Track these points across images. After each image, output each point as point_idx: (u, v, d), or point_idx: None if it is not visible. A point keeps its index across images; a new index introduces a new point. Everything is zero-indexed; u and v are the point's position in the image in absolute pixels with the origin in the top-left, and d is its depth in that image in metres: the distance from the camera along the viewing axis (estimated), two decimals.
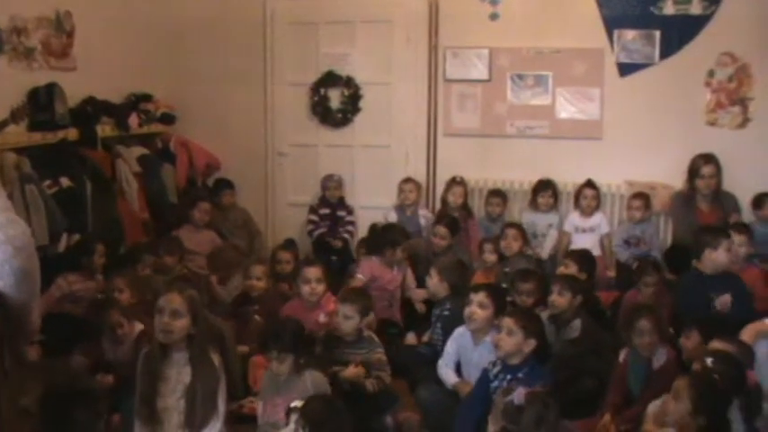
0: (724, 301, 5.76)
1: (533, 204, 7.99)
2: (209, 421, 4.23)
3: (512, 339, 4.72)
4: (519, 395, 3.61)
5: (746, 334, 5.15)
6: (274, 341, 4.53)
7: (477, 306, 5.25)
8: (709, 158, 7.45)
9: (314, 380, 4.46)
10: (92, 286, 6.38)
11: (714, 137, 7.82)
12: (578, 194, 7.90)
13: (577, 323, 5.74)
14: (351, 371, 5.07)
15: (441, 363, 5.49)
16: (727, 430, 3.93)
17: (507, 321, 4.77)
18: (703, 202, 7.47)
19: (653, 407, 4.44)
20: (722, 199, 7.51)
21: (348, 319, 5.24)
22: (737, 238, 6.61)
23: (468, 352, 5.38)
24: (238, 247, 7.87)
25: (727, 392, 3.97)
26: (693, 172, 7.48)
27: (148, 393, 4.28)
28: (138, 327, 5.37)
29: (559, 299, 5.78)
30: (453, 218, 7.65)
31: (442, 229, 7.36)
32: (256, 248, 8.36)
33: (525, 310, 5.34)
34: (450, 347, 5.47)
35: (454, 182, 8.13)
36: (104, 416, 4.01)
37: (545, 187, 7.96)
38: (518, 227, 7.39)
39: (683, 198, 7.60)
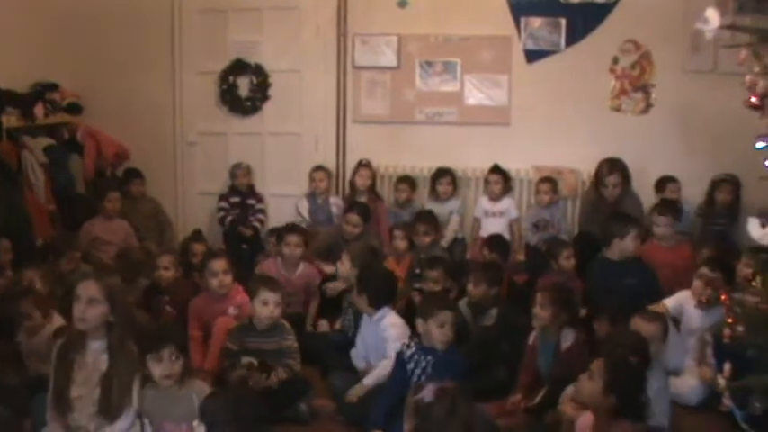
0: None
1: (433, 193, 8.01)
2: (122, 410, 4.17)
3: (450, 331, 4.75)
4: (428, 392, 3.59)
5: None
6: (168, 338, 4.33)
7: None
8: (613, 167, 7.46)
9: (200, 394, 4.25)
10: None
11: (618, 122, 7.95)
12: (486, 180, 7.94)
13: (493, 312, 5.82)
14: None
15: (353, 351, 5.58)
16: (640, 410, 3.99)
17: (448, 315, 4.76)
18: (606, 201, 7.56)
19: (571, 389, 4.50)
20: (627, 202, 7.52)
21: (265, 305, 5.20)
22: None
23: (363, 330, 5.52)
24: (149, 248, 7.73)
25: (640, 373, 4.02)
26: (598, 179, 7.53)
27: (62, 382, 4.21)
28: (57, 320, 5.25)
29: (475, 290, 5.87)
30: (364, 205, 7.65)
31: (354, 217, 7.32)
32: (166, 239, 8.27)
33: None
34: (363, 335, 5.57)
35: (360, 165, 8.13)
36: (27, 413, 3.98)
37: (443, 175, 7.99)
38: (428, 219, 7.34)
39: (589, 201, 7.69)
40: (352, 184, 8.14)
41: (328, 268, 7.03)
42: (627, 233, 6.13)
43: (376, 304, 5.43)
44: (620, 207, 7.36)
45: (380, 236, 7.67)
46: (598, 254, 6.48)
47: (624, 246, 6.15)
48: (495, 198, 7.88)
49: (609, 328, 5.12)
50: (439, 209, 7.78)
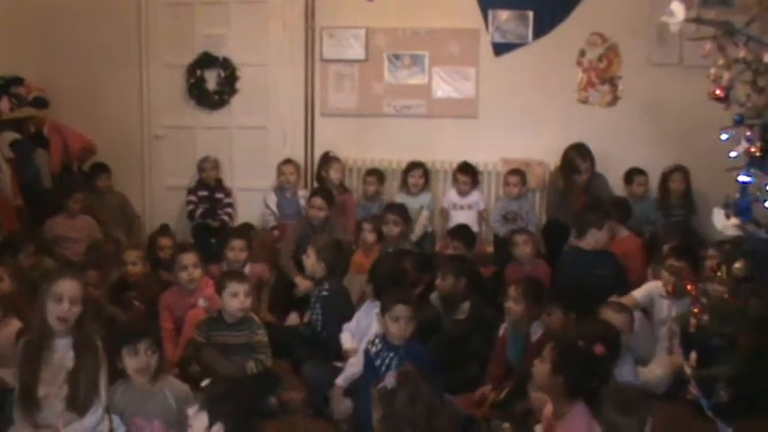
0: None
1: (404, 186, 8.01)
2: (91, 404, 4.13)
3: (411, 326, 4.71)
4: (390, 378, 3.62)
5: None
6: (146, 332, 4.29)
7: None
8: (585, 152, 7.51)
9: (173, 390, 4.22)
10: None
11: (585, 115, 8.00)
12: (455, 177, 7.96)
13: (466, 306, 5.81)
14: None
15: (346, 326, 5.61)
16: (593, 394, 4.02)
17: (404, 310, 4.70)
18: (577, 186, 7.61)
19: None
20: (596, 184, 7.63)
21: (235, 296, 5.19)
22: (641, 179, 7.36)
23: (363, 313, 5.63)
24: (118, 240, 7.70)
25: (588, 355, 4.05)
26: (569, 166, 7.55)
27: (30, 381, 4.14)
28: (15, 324, 5.16)
29: (443, 283, 5.84)
30: (327, 189, 7.64)
31: (317, 200, 7.23)
32: (134, 233, 8.22)
33: (410, 295, 5.25)
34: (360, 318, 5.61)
35: (330, 158, 8.12)
36: None
37: (415, 168, 7.99)
38: (398, 210, 7.32)
39: (558, 189, 7.71)
40: (319, 177, 8.12)
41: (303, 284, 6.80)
42: (604, 225, 6.16)
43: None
44: (591, 190, 7.47)
45: (348, 228, 7.65)
46: (567, 242, 6.55)
47: (600, 236, 6.16)
48: (463, 194, 7.90)
49: (563, 320, 5.11)
50: (409, 202, 7.76)
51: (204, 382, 3.78)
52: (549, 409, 4.04)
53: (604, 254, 6.21)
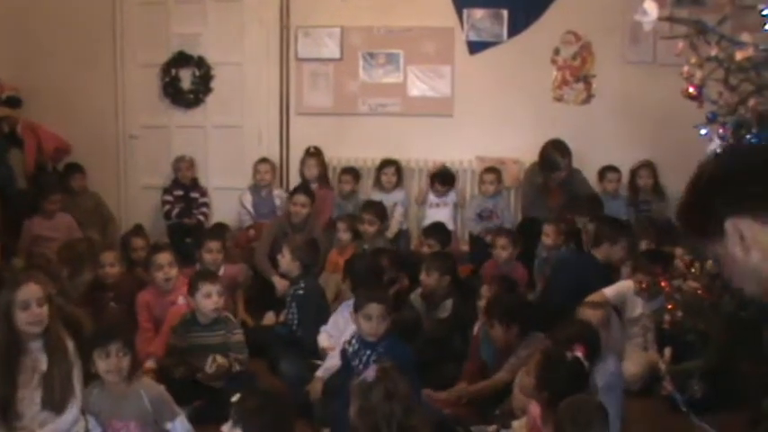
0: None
1: (377, 184, 8.02)
2: (68, 402, 4.15)
3: (384, 324, 4.69)
4: (370, 373, 3.63)
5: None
6: (116, 334, 4.23)
7: None
8: (565, 148, 7.54)
9: (148, 392, 4.17)
10: None
11: (560, 112, 8.04)
12: (431, 181, 7.97)
13: (449, 303, 5.82)
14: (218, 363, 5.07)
15: (322, 328, 5.63)
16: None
17: (377, 308, 4.67)
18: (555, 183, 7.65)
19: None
20: (575, 181, 7.67)
21: (208, 297, 5.19)
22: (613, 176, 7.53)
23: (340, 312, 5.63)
24: (92, 239, 7.65)
25: (576, 369, 4.06)
26: (549, 163, 7.56)
27: (7, 389, 4.14)
28: None
29: (427, 279, 5.85)
30: (307, 186, 7.69)
31: (300, 197, 7.27)
32: (109, 233, 8.16)
33: (384, 292, 5.22)
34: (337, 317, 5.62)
35: (308, 153, 8.13)
36: None
37: (387, 165, 8.00)
38: (375, 209, 7.31)
39: (535, 186, 7.73)
40: (302, 174, 8.13)
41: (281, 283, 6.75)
42: (618, 241, 6.11)
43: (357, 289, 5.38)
44: (569, 187, 7.52)
45: (322, 226, 7.63)
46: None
47: (613, 252, 6.10)
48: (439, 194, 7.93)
49: (503, 335, 5.10)
50: (384, 199, 7.74)
51: (235, 397, 3.75)
52: (535, 410, 4.07)
53: (608, 268, 6.14)
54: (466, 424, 4.77)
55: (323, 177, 8.09)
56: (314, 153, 8.11)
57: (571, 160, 7.54)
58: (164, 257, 5.97)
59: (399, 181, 8.00)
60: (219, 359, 5.08)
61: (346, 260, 6.16)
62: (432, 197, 7.93)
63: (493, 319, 5.08)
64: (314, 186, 7.85)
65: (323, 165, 8.12)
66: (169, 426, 4.12)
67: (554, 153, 7.50)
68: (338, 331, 5.49)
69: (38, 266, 6.21)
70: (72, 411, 4.16)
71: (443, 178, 7.86)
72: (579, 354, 4.03)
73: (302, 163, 8.12)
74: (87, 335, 4.60)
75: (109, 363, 4.06)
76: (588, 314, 4.88)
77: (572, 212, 7.05)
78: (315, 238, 6.83)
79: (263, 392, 4.06)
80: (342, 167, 8.20)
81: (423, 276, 5.89)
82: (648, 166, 7.64)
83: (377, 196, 7.83)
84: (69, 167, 8.33)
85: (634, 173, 7.70)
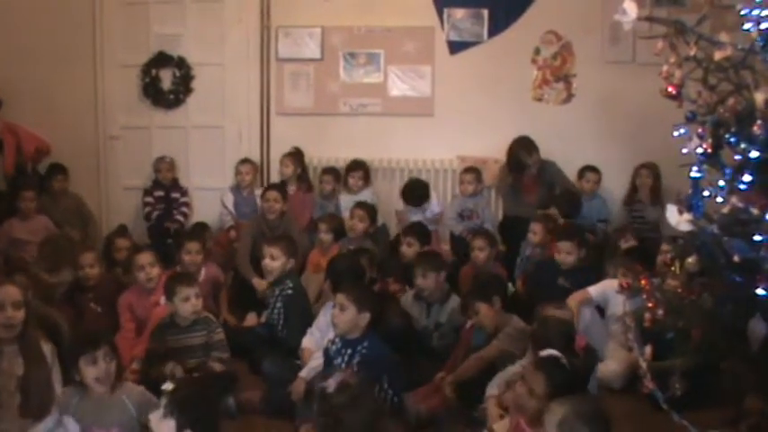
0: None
1: (346, 186, 7.99)
2: (48, 409, 4.08)
3: (346, 315, 4.77)
4: (331, 383, 3.64)
5: (571, 302, 5.41)
6: (103, 339, 4.16)
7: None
8: (529, 147, 7.58)
9: (131, 396, 4.13)
10: None
11: (540, 112, 8.08)
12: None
13: (450, 305, 5.80)
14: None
15: (309, 330, 5.62)
16: None
17: (339, 297, 4.80)
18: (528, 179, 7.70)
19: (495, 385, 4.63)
20: (548, 173, 7.75)
21: (187, 300, 5.20)
22: (592, 176, 7.58)
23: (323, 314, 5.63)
24: (70, 237, 7.62)
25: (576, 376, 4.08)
26: (516, 164, 7.63)
27: None
28: None
29: (425, 281, 5.80)
30: (280, 183, 7.76)
31: (272, 193, 7.29)
32: (90, 234, 8.14)
33: (356, 285, 5.30)
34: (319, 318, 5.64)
35: (284, 155, 8.15)
36: None
37: (355, 168, 7.99)
38: (366, 207, 7.29)
39: (508, 185, 7.79)
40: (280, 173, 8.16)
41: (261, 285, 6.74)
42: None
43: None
44: (542, 180, 7.63)
45: (302, 227, 7.66)
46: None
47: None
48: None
49: (490, 312, 5.19)
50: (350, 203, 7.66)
51: (167, 386, 3.72)
52: (511, 423, 4.08)
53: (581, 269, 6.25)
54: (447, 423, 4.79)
55: (302, 178, 8.10)
56: (290, 153, 8.11)
57: (539, 155, 7.57)
58: (144, 258, 5.99)
59: (367, 181, 8.00)
60: (217, 366, 5.11)
61: (328, 261, 6.14)
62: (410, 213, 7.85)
63: (475, 301, 5.15)
64: (292, 189, 7.87)
65: (302, 165, 8.13)
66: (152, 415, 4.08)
67: (520, 152, 7.57)
68: (320, 332, 5.51)
69: (17, 269, 6.22)
70: (52, 416, 4.11)
71: (411, 195, 7.80)
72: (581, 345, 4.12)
73: (280, 162, 8.12)
74: (66, 338, 4.61)
75: (98, 369, 4.00)
76: (556, 313, 4.89)
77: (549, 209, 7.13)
78: (294, 238, 6.79)
79: (195, 384, 4.02)
80: (322, 168, 8.20)
81: (419, 280, 5.82)
82: (649, 167, 7.63)
83: (345, 199, 7.84)
84: (52, 168, 8.28)
85: (635, 172, 7.70)
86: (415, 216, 7.68)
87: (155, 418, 3.58)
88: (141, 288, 5.95)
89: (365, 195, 7.86)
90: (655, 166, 7.60)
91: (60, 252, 6.64)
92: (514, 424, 4.05)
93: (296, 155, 8.10)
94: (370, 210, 7.27)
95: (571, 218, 7.05)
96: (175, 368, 5.00)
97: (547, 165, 7.66)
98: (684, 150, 4.06)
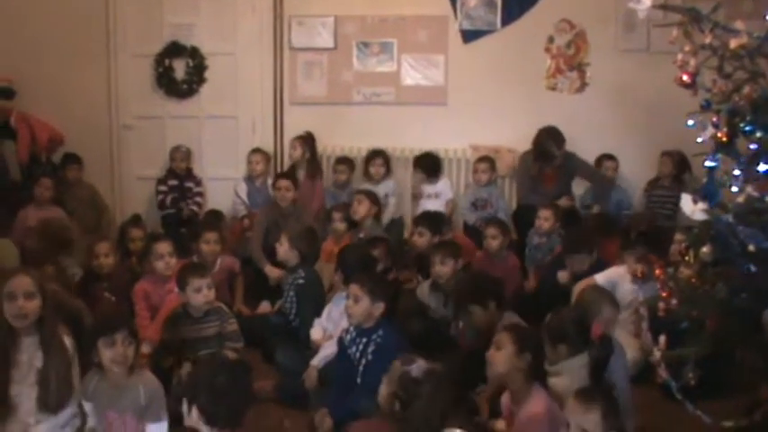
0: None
1: (366, 175, 8.00)
2: (66, 402, 4.09)
3: (360, 305, 4.76)
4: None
5: (577, 289, 5.40)
6: (122, 322, 4.20)
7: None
8: (558, 139, 7.51)
9: (146, 384, 4.14)
10: None
11: (554, 101, 8.05)
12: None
13: None
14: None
15: (316, 321, 5.62)
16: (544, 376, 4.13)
17: (353, 288, 4.80)
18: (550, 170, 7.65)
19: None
20: (573, 164, 7.69)
21: (199, 291, 5.18)
22: (610, 164, 7.68)
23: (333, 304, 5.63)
24: (66, 224, 7.53)
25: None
26: (543, 153, 7.55)
27: (1, 381, 4.09)
28: None
29: (443, 268, 5.79)
30: (291, 170, 7.76)
31: (283, 182, 7.29)
32: (104, 224, 8.15)
33: (369, 275, 5.28)
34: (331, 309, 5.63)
35: (295, 138, 8.15)
36: None
37: (375, 156, 7.99)
38: (367, 193, 7.32)
39: (529, 173, 7.72)
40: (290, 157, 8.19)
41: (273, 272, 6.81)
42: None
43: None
44: (563, 172, 7.58)
45: (313, 214, 7.66)
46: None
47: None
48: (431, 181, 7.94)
49: (483, 315, 5.14)
50: (374, 190, 7.65)
51: (185, 369, 3.71)
52: (506, 399, 4.12)
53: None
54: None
55: (311, 164, 8.07)
56: (301, 136, 8.11)
57: (565, 146, 7.52)
58: (163, 247, 6.03)
59: (388, 171, 8.00)
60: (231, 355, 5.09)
61: (338, 251, 6.14)
62: (426, 188, 7.91)
63: (469, 304, 5.12)
64: (301, 174, 7.89)
65: (311, 150, 8.11)
66: (150, 427, 4.09)
67: (548, 142, 7.49)
68: (332, 323, 5.50)
69: (32, 259, 6.23)
70: (70, 408, 4.13)
71: (425, 166, 7.88)
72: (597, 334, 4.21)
73: (290, 144, 8.14)
74: (87, 328, 4.61)
75: (115, 352, 4.03)
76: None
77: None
78: (312, 226, 6.81)
79: (211, 365, 4.00)
80: (336, 157, 8.20)
81: (436, 267, 5.81)
82: (670, 154, 7.56)
83: (366, 187, 7.75)
84: (66, 158, 8.31)
85: (660, 159, 7.67)
86: (429, 190, 7.78)
87: (185, 410, 3.57)
88: (157, 277, 5.97)
89: (387, 186, 7.90)
90: (675, 153, 7.52)
91: (56, 237, 6.61)
92: (507, 408, 4.15)
93: (306, 138, 8.09)
94: (369, 193, 7.29)
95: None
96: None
97: (569, 156, 7.59)
98: (699, 139, 4.04)
